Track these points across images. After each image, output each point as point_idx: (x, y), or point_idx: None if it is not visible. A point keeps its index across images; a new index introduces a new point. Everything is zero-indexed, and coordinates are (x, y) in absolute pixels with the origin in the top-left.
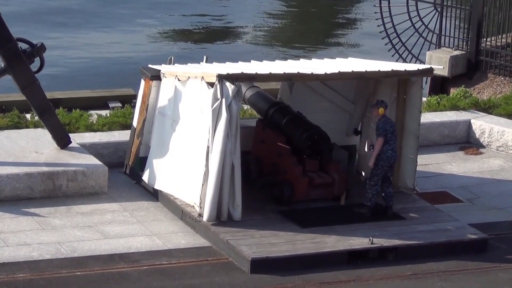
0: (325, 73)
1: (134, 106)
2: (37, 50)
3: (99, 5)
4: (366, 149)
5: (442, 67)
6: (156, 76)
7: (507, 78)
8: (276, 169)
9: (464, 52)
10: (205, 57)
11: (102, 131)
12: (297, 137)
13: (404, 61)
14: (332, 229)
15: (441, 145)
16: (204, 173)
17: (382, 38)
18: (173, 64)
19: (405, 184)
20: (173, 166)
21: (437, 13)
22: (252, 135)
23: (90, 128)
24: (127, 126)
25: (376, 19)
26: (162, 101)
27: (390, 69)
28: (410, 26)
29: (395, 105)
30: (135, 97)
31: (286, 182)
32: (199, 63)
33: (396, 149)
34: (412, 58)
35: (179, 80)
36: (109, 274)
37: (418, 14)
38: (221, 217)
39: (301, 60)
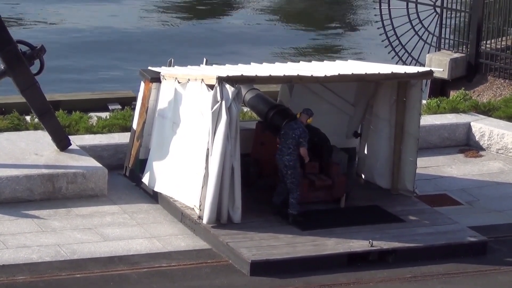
0: (325, 75)
1: (134, 108)
2: (37, 52)
3: None
4: None
5: (442, 69)
6: (156, 78)
7: (506, 80)
8: (275, 171)
9: (464, 54)
10: (205, 59)
11: (102, 133)
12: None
13: (404, 63)
14: (332, 232)
15: (441, 148)
16: (204, 176)
17: (382, 41)
18: (173, 66)
19: (404, 187)
20: (173, 169)
21: (437, 15)
22: (252, 137)
23: (90, 130)
24: (127, 128)
25: (376, 22)
26: (162, 103)
27: (390, 72)
28: (410, 29)
29: (395, 107)
30: (135, 99)
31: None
32: (199, 65)
33: (281, 155)
34: (412, 60)
35: (179, 82)
36: (108, 276)
37: (418, 17)
38: (220, 220)
39: (301, 62)
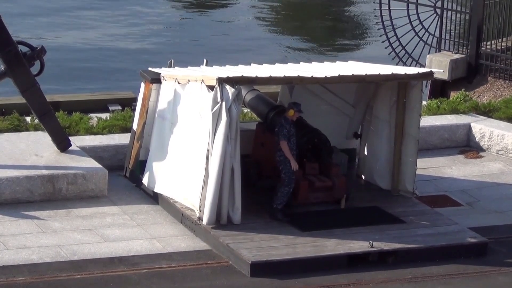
0: (325, 76)
1: (134, 109)
2: (37, 53)
3: None
4: None
5: (442, 70)
6: (156, 79)
7: (507, 81)
8: (276, 173)
9: (464, 55)
10: (205, 60)
11: (102, 134)
12: (297, 140)
13: (404, 64)
14: (332, 233)
15: (441, 149)
16: (204, 177)
17: (383, 42)
18: (173, 67)
19: (405, 188)
20: (173, 169)
21: (437, 16)
22: (252, 138)
23: (90, 131)
24: (127, 129)
25: (377, 23)
26: (162, 104)
27: (390, 73)
28: (411, 30)
29: (395, 108)
30: (135, 100)
31: None
32: (199, 66)
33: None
34: (412, 61)
35: (179, 83)
36: (109, 277)
37: (418, 18)
38: (220, 221)
39: (301, 63)
